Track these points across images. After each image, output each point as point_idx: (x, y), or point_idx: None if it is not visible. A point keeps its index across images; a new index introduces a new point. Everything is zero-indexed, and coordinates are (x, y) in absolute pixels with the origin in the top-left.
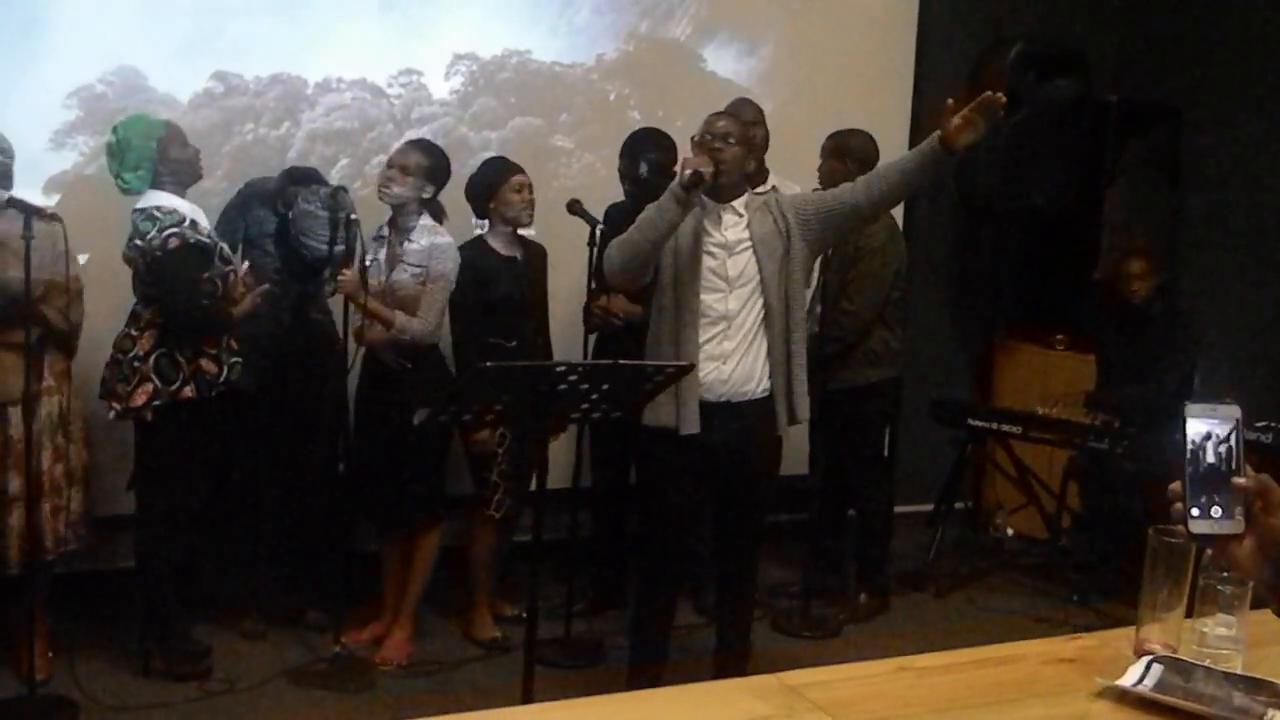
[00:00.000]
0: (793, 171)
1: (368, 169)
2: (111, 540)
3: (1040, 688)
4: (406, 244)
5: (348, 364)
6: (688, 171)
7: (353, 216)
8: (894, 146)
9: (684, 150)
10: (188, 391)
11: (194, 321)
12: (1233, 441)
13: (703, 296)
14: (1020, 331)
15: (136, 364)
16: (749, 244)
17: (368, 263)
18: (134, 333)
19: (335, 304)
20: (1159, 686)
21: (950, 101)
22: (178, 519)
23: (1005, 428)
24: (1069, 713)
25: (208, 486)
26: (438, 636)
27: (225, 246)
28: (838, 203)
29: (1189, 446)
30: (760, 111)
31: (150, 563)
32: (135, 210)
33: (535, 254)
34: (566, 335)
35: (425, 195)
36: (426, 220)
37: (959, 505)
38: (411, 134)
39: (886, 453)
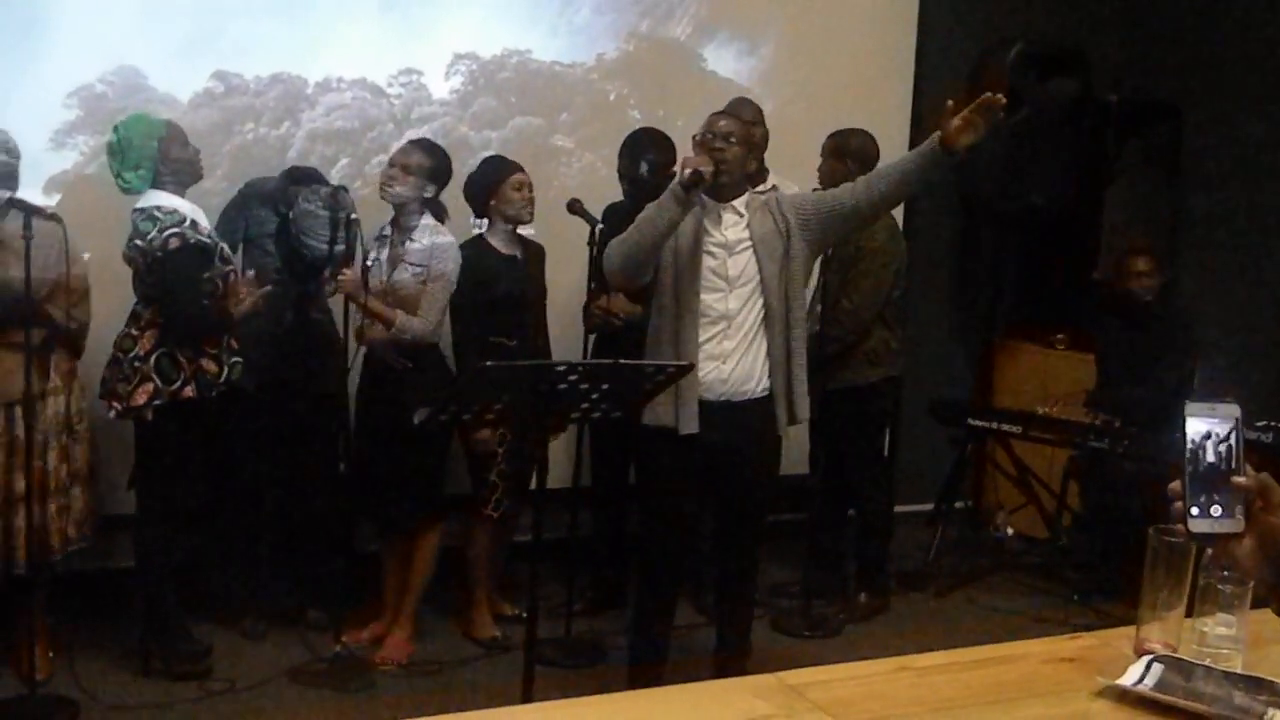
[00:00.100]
0: (793, 171)
1: (368, 169)
2: (112, 539)
3: (1040, 687)
4: (408, 243)
5: (348, 363)
6: (688, 171)
7: (353, 216)
8: (894, 146)
9: (683, 150)
10: (188, 391)
11: (194, 321)
12: (1233, 440)
13: (703, 296)
14: (1020, 331)
15: (137, 363)
16: (749, 244)
17: (369, 262)
18: (134, 332)
19: (336, 303)
20: (1159, 686)
21: (950, 103)
22: (178, 518)
23: (1005, 427)
24: (1069, 712)
25: (208, 486)
26: (438, 636)
27: (225, 246)
28: (838, 203)
29: (1189, 446)
30: (759, 110)
31: (150, 562)
32: (136, 210)
33: (534, 253)
34: (566, 335)
35: (427, 195)
36: (428, 220)
37: (959, 505)
38: (412, 134)
39: (886, 452)
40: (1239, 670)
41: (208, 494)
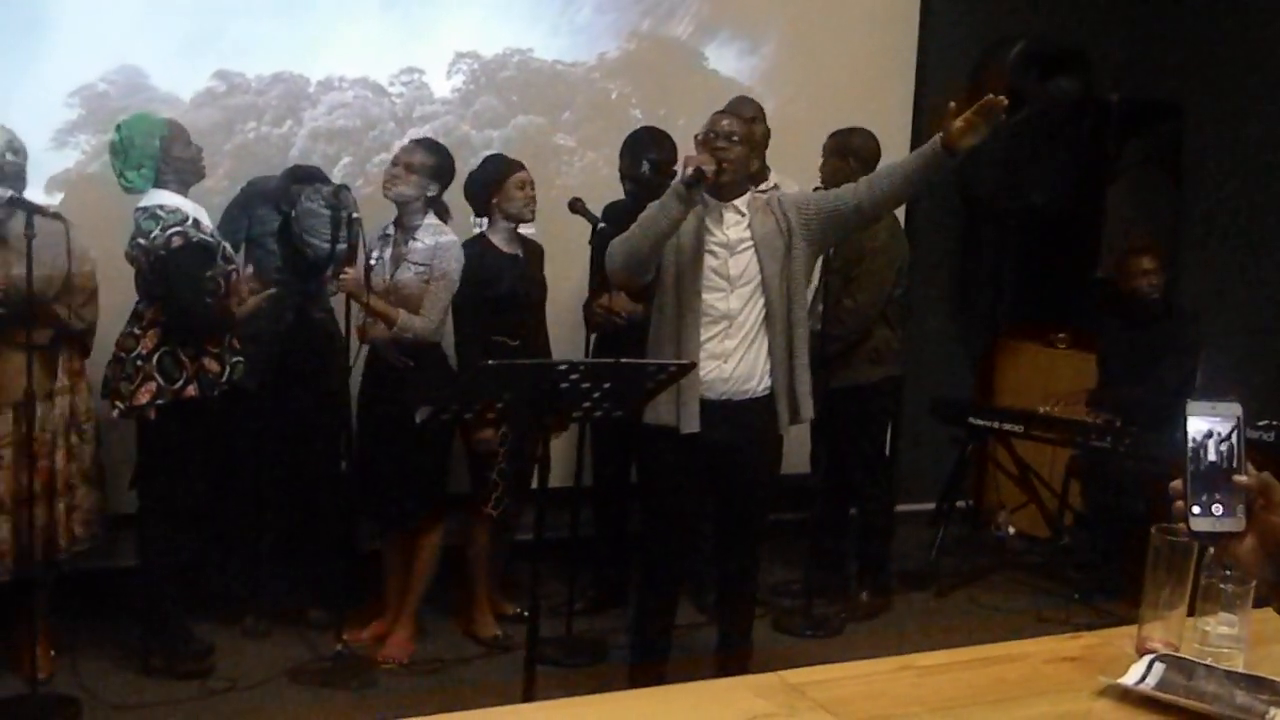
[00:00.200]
0: (794, 170)
1: (369, 167)
2: (113, 538)
3: (1042, 686)
4: (411, 243)
5: (350, 362)
6: (690, 169)
7: (355, 215)
8: (896, 144)
9: (685, 149)
10: (191, 390)
11: (197, 320)
12: (1234, 439)
13: (704, 295)
14: (1022, 330)
15: (140, 362)
16: (751, 243)
17: (372, 261)
18: (137, 331)
19: (338, 302)
20: (1161, 685)
21: (952, 104)
22: (180, 517)
23: (1007, 426)
24: (1071, 711)
25: (210, 485)
26: (439, 635)
27: (228, 245)
28: (840, 203)
29: (1190, 444)
30: (760, 108)
31: (152, 561)
32: (138, 209)
33: (534, 252)
34: (567, 335)
35: (430, 194)
36: (431, 219)
37: (960, 504)
38: (413, 133)
39: (888, 451)
40: (1241, 669)
41: (210, 493)
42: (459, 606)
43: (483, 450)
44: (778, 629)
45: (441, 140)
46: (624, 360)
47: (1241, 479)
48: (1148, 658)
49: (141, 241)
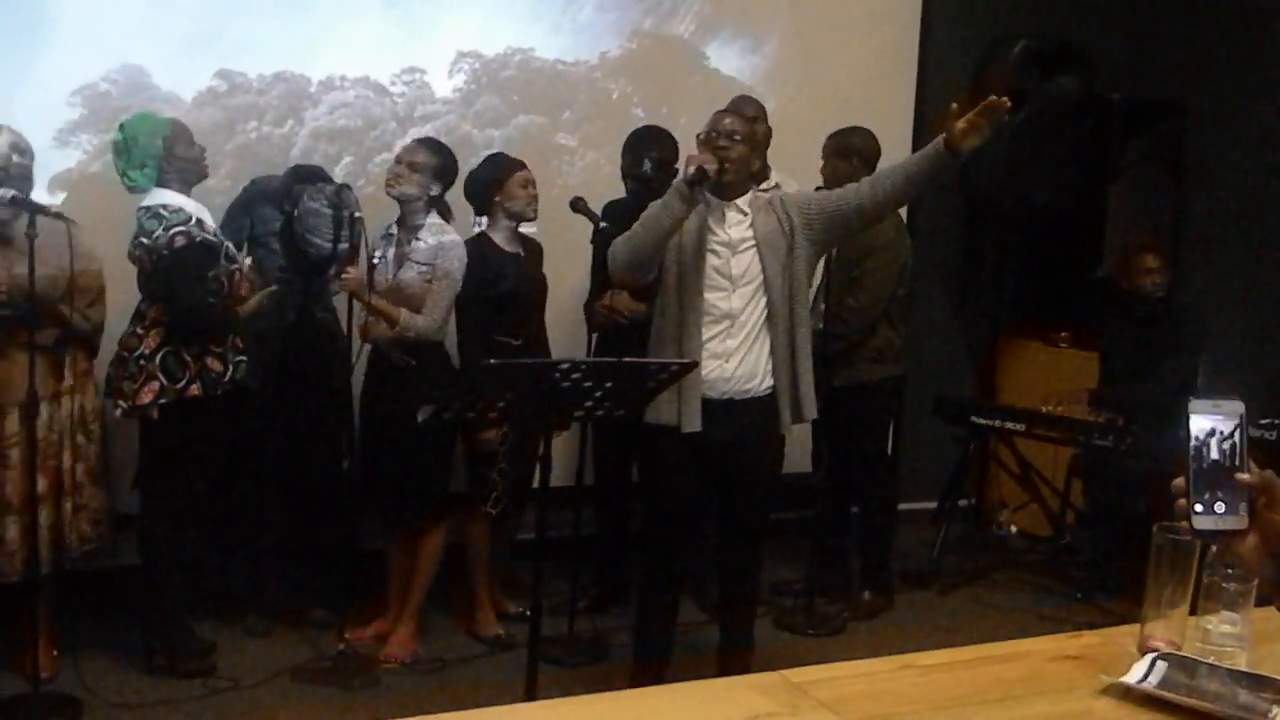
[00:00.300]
0: (796, 169)
1: (371, 167)
2: (115, 538)
3: (1044, 685)
4: (414, 242)
5: (352, 361)
6: (692, 168)
7: (357, 214)
8: (897, 143)
9: (686, 148)
10: (194, 390)
11: (200, 320)
12: (1236, 437)
13: (706, 295)
14: (1024, 329)
15: (142, 362)
16: (753, 242)
17: (375, 260)
18: (140, 331)
19: (340, 301)
20: (1163, 684)
21: (955, 105)
22: (182, 517)
23: (1009, 425)
24: (1073, 710)
25: (212, 484)
26: (441, 634)
27: (231, 245)
28: (843, 203)
29: (1193, 442)
30: (761, 108)
31: (155, 560)
32: (141, 208)
33: (534, 251)
34: (568, 334)
35: (432, 193)
36: (434, 219)
37: (963, 503)
38: (415, 132)
39: (890, 450)
40: (1243, 668)
41: (212, 492)
42: (461, 605)
43: (485, 450)
44: (780, 628)
45: (443, 140)
46: (626, 359)
47: (1244, 477)
48: (1150, 656)
49: (144, 241)
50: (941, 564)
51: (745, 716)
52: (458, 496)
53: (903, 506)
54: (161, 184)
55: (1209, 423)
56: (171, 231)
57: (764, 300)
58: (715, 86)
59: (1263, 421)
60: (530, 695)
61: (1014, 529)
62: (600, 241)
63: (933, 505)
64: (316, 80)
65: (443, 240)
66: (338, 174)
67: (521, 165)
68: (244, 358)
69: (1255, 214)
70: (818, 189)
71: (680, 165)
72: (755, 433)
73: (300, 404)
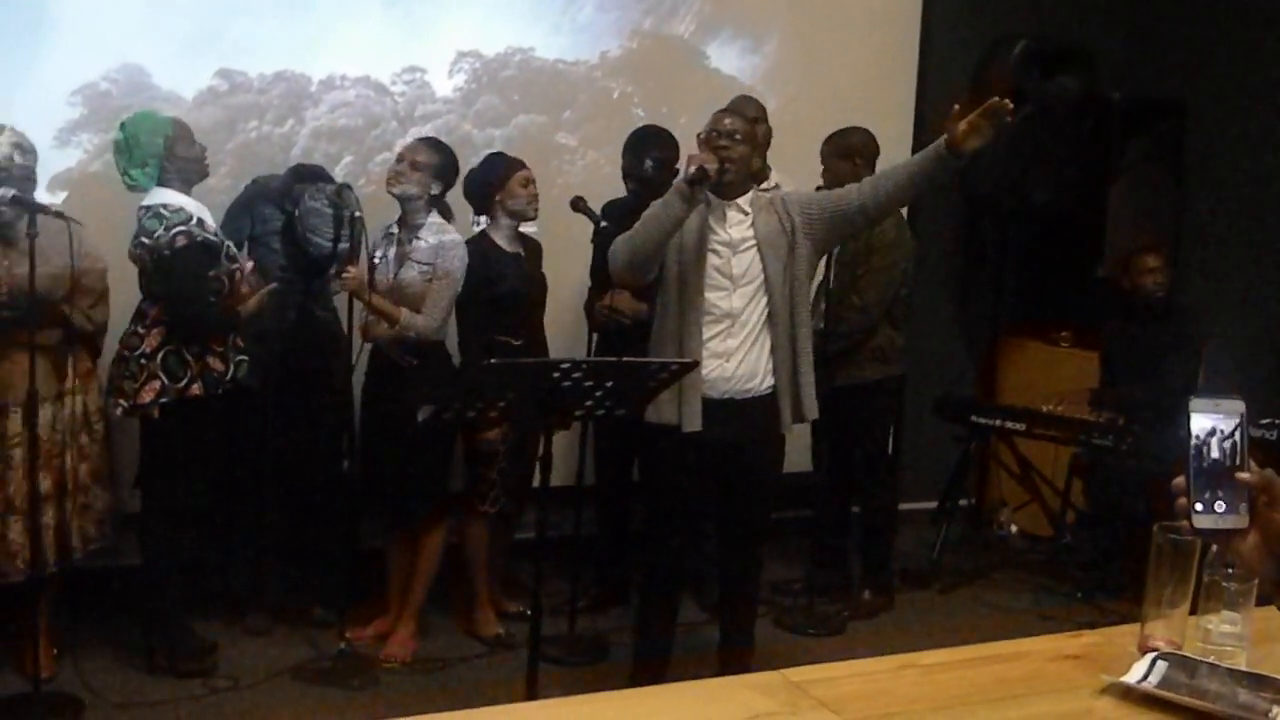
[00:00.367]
0: (795, 169)
1: (371, 166)
2: (115, 537)
3: (1045, 684)
4: (415, 242)
5: (353, 360)
6: (693, 168)
7: (357, 214)
8: (897, 143)
9: (687, 148)
10: (195, 389)
11: (201, 319)
12: (1237, 437)
13: (707, 294)
14: (1024, 328)
15: (144, 361)
16: (753, 242)
17: (376, 260)
18: (141, 330)
19: (341, 301)
20: (1164, 683)
21: (957, 106)
22: (183, 516)
23: (1009, 425)
24: (1073, 709)
25: (213, 484)
26: (442, 633)
27: (231, 244)
28: (844, 203)
29: (1193, 442)
30: (762, 108)
31: (155, 560)
32: (142, 208)
33: (533, 250)
34: (569, 334)
35: (433, 192)
36: (435, 218)
37: (963, 502)
38: (415, 132)
39: (891, 450)
40: (1243, 667)
41: (213, 491)
42: (461, 605)
43: (485, 450)
44: (780, 627)
45: (443, 139)
46: (626, 359)
47: (1244, 476)
48: (1150, 656)
49: (145, 240)
50: (941, 564)
51: (745, 716)
52: (458, 496)
53: (903, 506)
54: (162, 183)
55: (1209, 422)
56: (172, 231)
57: (765, 300)
58: (715, 86)
59: (1263, 421)
60: (530, 695)
61: (1014, 529)
62: (600, 241)
63: (933, 505)
64: (317, 80)
65: (443, 240)
66: (338, 173)
67: (522, 165)
68: (245, 357)
69: (1255, 214)
70: (818, 189)
71: (681, 165)
72: (756, 432)
73: (301, 404)
